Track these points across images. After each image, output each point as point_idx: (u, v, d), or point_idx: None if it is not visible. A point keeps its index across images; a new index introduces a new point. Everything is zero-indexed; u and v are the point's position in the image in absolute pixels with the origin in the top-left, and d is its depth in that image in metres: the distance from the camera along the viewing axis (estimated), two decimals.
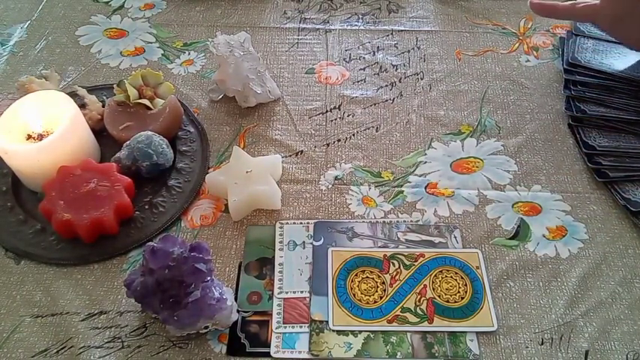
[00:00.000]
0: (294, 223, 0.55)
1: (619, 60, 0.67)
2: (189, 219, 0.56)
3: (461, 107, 0.66)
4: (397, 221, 0.55)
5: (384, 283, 0.51)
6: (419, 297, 0.50)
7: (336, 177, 0.59)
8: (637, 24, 0.61)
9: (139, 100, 0.60)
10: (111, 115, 0.60)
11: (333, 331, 0.48)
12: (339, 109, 0.66)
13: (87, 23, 0.76)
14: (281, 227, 0.55)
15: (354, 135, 0.63)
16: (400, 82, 0.69)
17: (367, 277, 0.51)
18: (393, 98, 0.67)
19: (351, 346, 0.47)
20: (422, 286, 0.51)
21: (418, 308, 0.49)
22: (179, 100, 0.61)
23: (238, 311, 0.49)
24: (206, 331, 0.47)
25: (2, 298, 0.50)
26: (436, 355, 0.47)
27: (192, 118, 0.63)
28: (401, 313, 0.49)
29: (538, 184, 0.59)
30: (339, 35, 0.74)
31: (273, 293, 0.50)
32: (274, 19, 0.77)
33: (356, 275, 0.51)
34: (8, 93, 0.66)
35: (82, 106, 0.60)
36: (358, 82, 0.69)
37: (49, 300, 0.50)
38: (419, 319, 0.49)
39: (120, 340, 0.48)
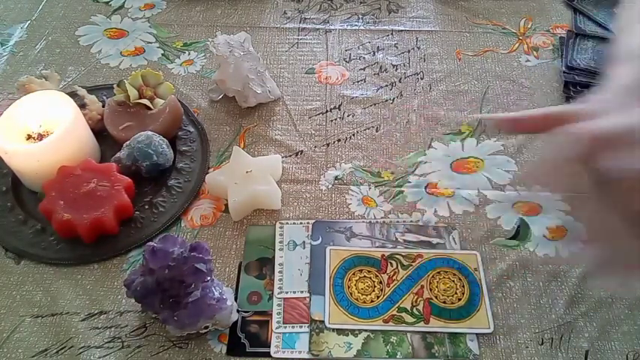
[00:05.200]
0: (294, 223, 0.55)
1: None
2: (189, 219, 0.56)
3: (461, 107, 0.66)
4: (397, 221, 0.55)
5: (381, 282, 0.51)
6: (416, 297, 0.50)
7: (336, 177, 0.59)
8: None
9: (139, 100, 0.60)
10: (111, 115, 0.60)
11: (331, 329, 0.48)
12: (339, 109, 0.66)
13: (87, 23, 0.76)
14: (281, 227, 0.55)
15: (354, 135, 0.63)
16: (400, 82, 0.69)
17: (365, 276, 0.51)
18: (393, 98, 0.67)
19: (351, 346, 0.47)
20: (419, 286, 0.51)
21: (414, 309, 0.49)
22: (179, 100, 0.61)
23: (238, 311, 0.49)
24: (206, 331, 0.47)
25: (2, 298, 0.50)
26: (436, 355, 0.47)
27: (192, 118, 0.63)
28: (397, 313, 0.49)
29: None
30: (339, 35, 0.74)
31: (273, 293, 0.50)
32: (274, 19, 0.76)
33: (353, 274, 0.51)
34: (8, 93, 0.66)
35: (82, 106, 0.59)
36: (358, 82, 0.69)
37: (49, 300, 0.50)
38: (415, 320, 0.49)
39: (120, 340, 0.48)
